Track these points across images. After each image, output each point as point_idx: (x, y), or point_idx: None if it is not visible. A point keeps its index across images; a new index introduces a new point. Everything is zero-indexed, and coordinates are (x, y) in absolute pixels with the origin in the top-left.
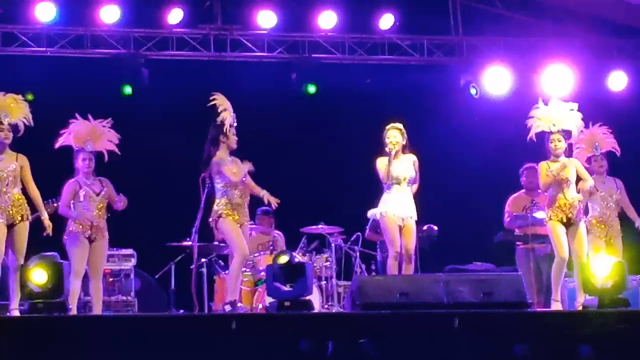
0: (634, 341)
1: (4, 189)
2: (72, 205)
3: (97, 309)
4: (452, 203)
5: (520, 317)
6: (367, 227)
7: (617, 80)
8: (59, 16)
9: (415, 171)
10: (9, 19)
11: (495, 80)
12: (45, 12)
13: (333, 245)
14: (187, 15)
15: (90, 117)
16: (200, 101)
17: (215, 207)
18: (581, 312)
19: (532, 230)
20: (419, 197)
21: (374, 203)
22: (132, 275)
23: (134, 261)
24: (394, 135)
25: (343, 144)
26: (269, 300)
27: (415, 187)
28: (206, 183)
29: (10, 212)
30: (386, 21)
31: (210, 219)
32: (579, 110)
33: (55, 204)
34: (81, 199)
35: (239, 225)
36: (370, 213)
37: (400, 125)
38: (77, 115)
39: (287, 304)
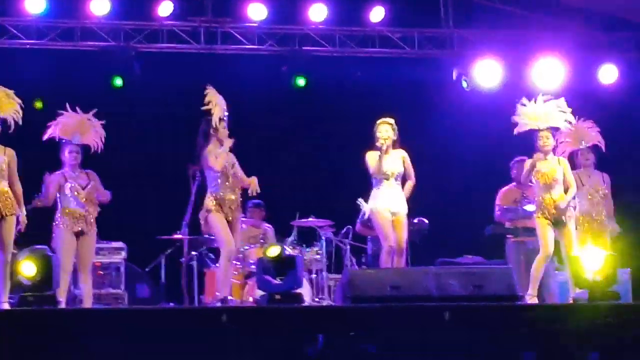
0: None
1: None
2: (58, 199)
3: (87, 302)
4: (443, 196)
5: (511, 310)
6: (358, 221)
7: (608, 73)
8: (49, 8)
9: (407, 167)
10: None
11: (486, 73)
12: (35, 4)
13: (323, 238)
14: (177, 8)
15: (78, 109)
16: (191, 94)
17: (205, 201)
18: (572, 305)
19: (522, 224)
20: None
21: (364, 196)
22: (122, 269)
23: (124, 254)
24: (386, 130)
25: (334, 137)
26: (259, 293)
27: (411, 183)
28: (196, 176)
29: None
30: (377, 14)
31: (200, 213)
32: (568, 103)
33: (39, 201)
34: (67, 192)
35: (229, 219)
36: (363, 207)
37: (391, 120)
38: (66, 106)
39: (277, 297)
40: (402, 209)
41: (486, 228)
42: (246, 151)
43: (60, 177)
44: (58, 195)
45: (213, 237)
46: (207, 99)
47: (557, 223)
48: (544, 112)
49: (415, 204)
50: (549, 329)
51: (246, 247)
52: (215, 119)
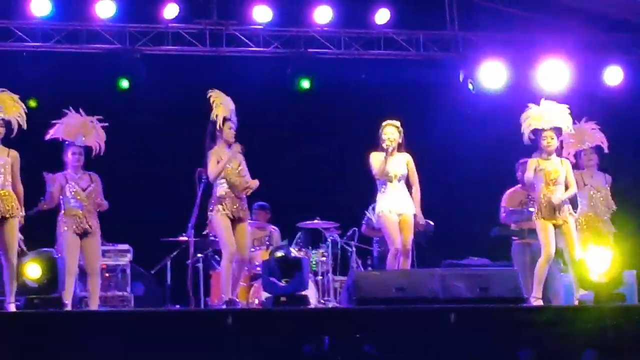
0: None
1: None
2: (60, 200)
3: (94, 305)
4: (449, 198)
5: (516, 312)
6: (363, 222)
7: (613, 75)
8: (55, 11)
9: (411, 171)
10: (4, 14)
11: (491, 75)
12: (40, 7)
13: (329, 240)
14: (182, 10)
15: (81, 111)
16: (196, 96)
17: (210, 203)
18: (577, 307)
19: (528, 225)
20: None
21: (369, 198)
22: (128, 271)
23: (129, 256)
24: (392, 132)
25: (339, 139)
26: (265, 295)
27: (415, 188)
28: (202, 178)
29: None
30: (382, 16)
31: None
32: (574, 105)
33: (45, 204)
34: (67, 194)
35: (233, 220)
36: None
37: (397, 123)
38: (70, 108)
39: (283, 299)
40: (409, 209)
41: (492, 230)
42: (251, 153)
43: (61, 178)
44: (60, 196)
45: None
46: (212, 100)
47: (558, 223)
48: (549, 113)
49: (420, 205)
50: (554, 331)
51: (252, 250)
52: (218, 119)
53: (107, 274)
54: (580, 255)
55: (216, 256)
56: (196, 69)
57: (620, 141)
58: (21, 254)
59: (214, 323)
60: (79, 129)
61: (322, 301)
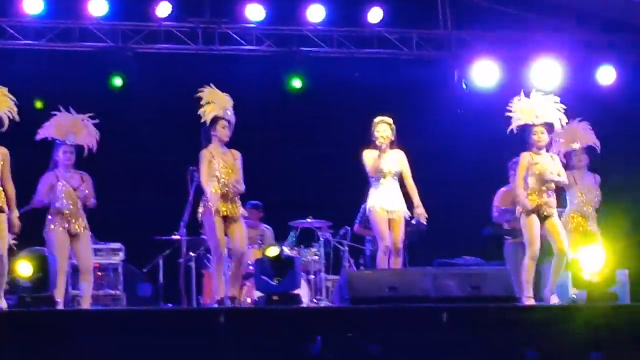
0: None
1: None
2: (50, 199)
3: (86, 304)
4: (440, 197)
5: (508, 311)
6: (356, 221)
7: (606, 74)
8: (47, 9)
9: (405, 167)
10: None
11: (484, 74)
12: (32, 5)
13: (322, 239)
14: (175, 9)
15: (72, 110)
16: (188, 94)
17: (202, 202)
18: (569, 306)
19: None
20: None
21: (362, 197)
22: (120, 270)
23: (122, 255)
24: (384, 129)
25: (332, 138)
26: (257, 294)
27: (411, 182)
28: (194, 176)
29: None
30: (375, 15)
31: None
32: (567, 104)
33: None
34: (57, 192)
35: (227, 219)
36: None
37: (389, 120)
38: (60, 107)
39: (275, 298)
40: (400, 208)
41: (484, 229)
42: (244, 152)
43: (52, 177)
44: (50, 195)
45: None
46: (201, 99)
47: (544, 217)
48: (540, 107)
49: (412, 204)
50: (546, 330)
51: None
52: (207, 119)
53: (99, 273)
54: (571, 253)
55: (208, 255)
56: (189, 67)
57: (613, 140)
58: (11, 254)
59: (206, 322)
60: (69, 128)
61: (315, 300)
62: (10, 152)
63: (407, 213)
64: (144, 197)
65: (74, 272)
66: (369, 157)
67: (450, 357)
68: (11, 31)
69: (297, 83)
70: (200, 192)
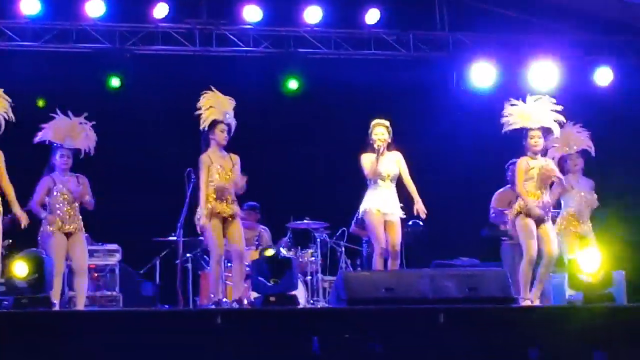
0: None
1: None
2: (47, 202)
3: (80, 305)
4: (438, 198)
5: (506, 312)
6: (353, 222)
7: (603, 76)
8: (44, 10)
9: (403, 169)
10: None
11: (481, 75)
12: (29, 6)
13: (318, 240)
14: (172, 10)
15: (70, 114)
16: (186, 96)
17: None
18: (566, 307)
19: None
20: (404, 193)
21: (359, 199)
22: (117, 271)
23: (118, 256)
24: (382, 132)
25: (329, 139)
26: (254, 295)
27: (410, 182)
28: (191, 177)
29: None
30: (372, 16)
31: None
32: (564, 105)
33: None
34: (54, 195)
35: (225, 220)
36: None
37: (386, 122)
38: (58, 111)
39: (272, 299)
40: (395, 211)
41: (481, 230)
42: (241, 153)
43: (49, 181)
44: (47, 198)
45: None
46: (201, 103)
47: (540, 222)
48: (536, 112)
49: (410, 206)
50: (543, 331)
51: None
52: (205, 123)
53: (95, 274)
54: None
55: (205, 256)
56: (186, 68)
57: (610, 142)
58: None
59: (203, 323)
60: (67, 132)
61: (312, 301)
62: (8, 153)
63: (403, 215)
64: (141, 198)
65: (70, 274)
66: (366, 160)
67: (448, 359)
68: (8, 32)
69: (293, 84)
70: (196, 193)
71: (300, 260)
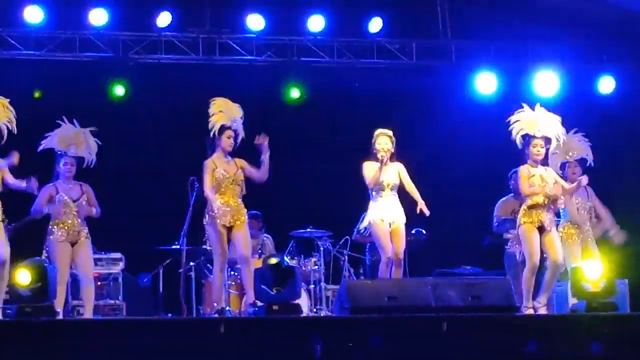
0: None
1: None
2: (50, 210)
3: (88, 313)
4: (441, 207)
5: (509, 320)
6: (355, 230)
7: (606, 84)
8: (47, 19)
9: (405, 179)
10: None
11: (484, 83)
12: (33, 15)
13: (321, 249)
14: (176, 19)
15: (75, 122)
16: (189, 104)
17: (206, 211)
18: (569, 315)
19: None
20: (407, 201)
21: (362, 207)
22: (120, 279)
23: (122, 265)
24: (385, 142)
25: (332, 147)
26: (257, 304)
27: (412, 188)
28: (195, 186)
29: None
30: (375, 24)
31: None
32: (567, 113)
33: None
34: (57, 203)
35: (231, 227)
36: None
37: (390, 132)
38: (64, 119)
39: (275, 307)
40: (400, 219)
41: (484, 239)
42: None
43: (52, 189)
44: (49, 206)
45: (212, 248)
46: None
47: (543, 230)
48: (543, 121)
49: (413, 214)
50: (547, 339)
51: None
52: (215, 128)
53: (99, 283)
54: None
55: (208, 265)
56: (189, 77)
57: (613, 149)
58: None
59: (207, 332)
60: (72, 140)
61: (315, 310)
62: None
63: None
64: (144, 206)
65: (74, 282)
66: (369, 169)
67: None
68: (12, 41)
69: (295, 93)
70: (200, 202)
71: (304, 268)
